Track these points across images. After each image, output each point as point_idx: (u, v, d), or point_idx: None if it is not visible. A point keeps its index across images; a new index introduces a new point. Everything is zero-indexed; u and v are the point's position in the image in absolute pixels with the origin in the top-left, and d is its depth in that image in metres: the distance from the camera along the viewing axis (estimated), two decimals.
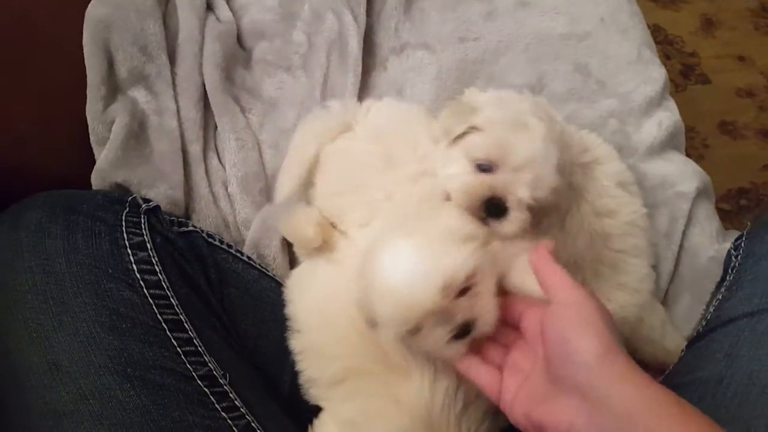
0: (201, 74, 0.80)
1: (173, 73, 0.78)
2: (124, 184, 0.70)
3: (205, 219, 0.75)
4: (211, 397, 0.57)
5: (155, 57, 0.77)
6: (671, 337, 0.72)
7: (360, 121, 0.68)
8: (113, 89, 0.74)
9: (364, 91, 0.85)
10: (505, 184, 0.56)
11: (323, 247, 0.65)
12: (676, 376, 0.65)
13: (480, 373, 0.52)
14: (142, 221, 0.61)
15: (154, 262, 0.59)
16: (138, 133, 0.73)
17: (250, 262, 0.72)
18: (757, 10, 1.64)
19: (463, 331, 0.50)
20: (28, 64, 0.67)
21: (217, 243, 0.71)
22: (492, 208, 0.56)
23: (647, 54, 0.88)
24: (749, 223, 0.72)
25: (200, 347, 0.58)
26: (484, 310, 0.50)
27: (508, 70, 0.87)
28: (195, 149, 0.77)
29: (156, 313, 0.57)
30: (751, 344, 0.58)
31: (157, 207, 0.65)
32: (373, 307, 0.51)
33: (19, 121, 0.66)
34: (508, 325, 0.53)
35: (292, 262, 0.74)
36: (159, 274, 0.59)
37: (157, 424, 0.52)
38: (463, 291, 0.50)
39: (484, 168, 0.57)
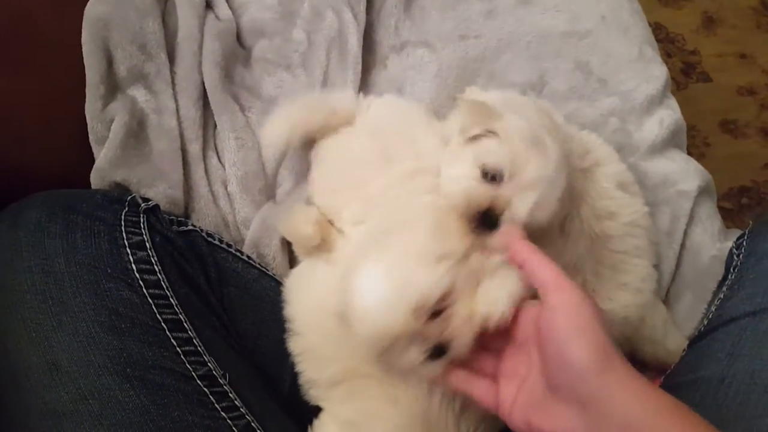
0: (200, 73, 0.80)
1: (172, 72, 0.78)
2: (124, 183, 0.70)
3: (204, 218, 0.74)
4: (210, 396, 0.57)
5: (154, 56, 0.77)
6: (673, 337, 0.72)
7: (360, 116, 0.68)
8: (112, 88, 0.74)
9: (364, 89, 0.85)
10: (507, 199, 0.54)
11: (322, 247, 0.65)
12: (677, 375, 0.64)
13: (473, 386, 0.51)
14: (142, 221, 0.61)
15: (153, 261, 0.59)
16: (137, 132, 0.73)
17: (250, 261, 0.72)
18: (758, 7, 1.64)
19: (439, 351, 0.49)
20: (28, 64, 0.67)
21: (216, 242, 0.71)
22: (486, 220, 0.54)
23: (648, 52, 0.88)
24: (751, 222, 0.72)
25: (200, 347, 0.58)
26: (459, 332, 0.48)
27: (509, 68, 0.86)
28: (194, 148, 0.76)
29: (155, 313, 0.57)
30: (753, 343, 0.58)
31: (157, 206, 0.65)
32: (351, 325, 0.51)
33: (19, 120, 0.65)
34: (497, 331, 0.51)
35: (292, 261, 0.74)
36: (158, 274, 0.59)
37: (156, 424, 0.52)
38: (439, 311, 0.48)
39: (491, 176, 0.56)
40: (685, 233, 0.77)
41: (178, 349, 0.56)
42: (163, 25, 0.79)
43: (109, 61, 0.73)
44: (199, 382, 0.56)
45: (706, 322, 0.66)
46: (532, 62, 0.86)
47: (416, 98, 0.83)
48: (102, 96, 0.72)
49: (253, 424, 0.59)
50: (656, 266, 0.73)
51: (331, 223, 0.66)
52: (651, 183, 0.78)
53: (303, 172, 0.77)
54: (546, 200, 0.55)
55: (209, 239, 0.70)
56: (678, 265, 0.77)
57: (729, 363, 0.58)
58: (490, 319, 0.49)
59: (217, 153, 0.79)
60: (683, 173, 0.80)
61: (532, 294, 0.50)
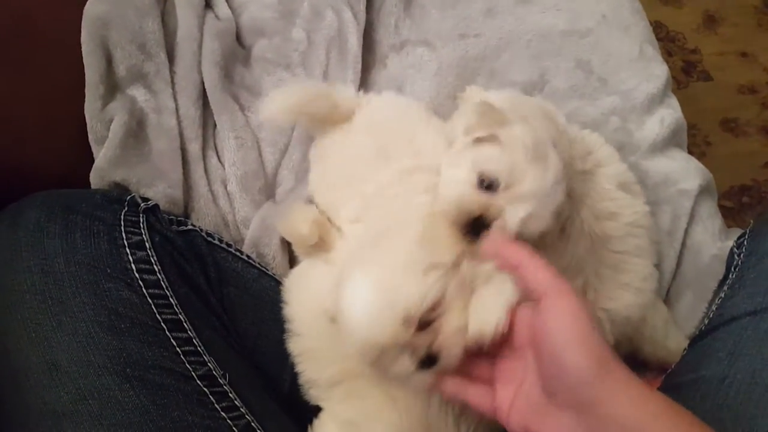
0: (200, 72, 0.80)
1: (172, 72, 0.78)
2: (123, 182, 0.70)
3: (204, 218, 0.74)
4: (210, 396, 0.56)
5: (154, 55, 0.77)
6: (674, 337, 0.72)
7: (359, 112, 0.67)
8: (112, 88, 0.74)
9: (363, 88, 0.85)
10: (500, 208, 0.54)
11: (321, 246, 0.64)
12: (678, 375, 0.64)
13: (468, 393, 0.50)
14: (141, 220, 0.61)
15: (153, 261, 0.59)
16: (137, 131, 0.73)
17: (250, 261, 0.72)
18: (759, 6, 1.64)
19: (429, 361, 0.48)
20: (28, 64, 0.67)
21: (216, 242, 0.71)
22: (477, 227, 0.54)
23: (649, 51, 0.87)
24: (752, 221, 0.72)
25: (199, 347, 0.58)
26: (448, 342, 0.48)
27: (510, 67, 0.86)
28: (194, 148, 0.76)
29: (155, 313, 0.56)
30: (754, 343, 0.58)
31: (156, 206, 0.65)
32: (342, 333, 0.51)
33: (18, 120, 0.65)
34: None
35: (292, 261, 0.74)
36: (158, 274, 0.59)
37: (156, 424, 0.52)
38: (429, 322, 0.48)
39: (487, 184, 0.55)
40: (686, 232, 0.77)
41: (177, 349, 0.56)
42: (162, 24, 0.79)
43: (109, 61, 0.73)
44: (198, 382, 0.56)
45: (706, 322, 0.66)
46: (533, 61, 0.86)
47: (416, 97, 0.83)
48: (101, 96, 0.72)
49: (253, 424, 0.58)
50: (657, 265, 0.72)
51: (330, 221, 0.65)
52: (652, 182, 0.78)
53: (303, 172, 0.77)
54: (539, 214, 0.54)
55: (209, 239, 0.70)
56: (679, 264, 0.77)
57: (730, 362, 0.58)
58: (484, 337, 0.48)
59: (217, 152, 0.79)
60: (684, 172, 0.80)
61: (527, 296, 0.49)
